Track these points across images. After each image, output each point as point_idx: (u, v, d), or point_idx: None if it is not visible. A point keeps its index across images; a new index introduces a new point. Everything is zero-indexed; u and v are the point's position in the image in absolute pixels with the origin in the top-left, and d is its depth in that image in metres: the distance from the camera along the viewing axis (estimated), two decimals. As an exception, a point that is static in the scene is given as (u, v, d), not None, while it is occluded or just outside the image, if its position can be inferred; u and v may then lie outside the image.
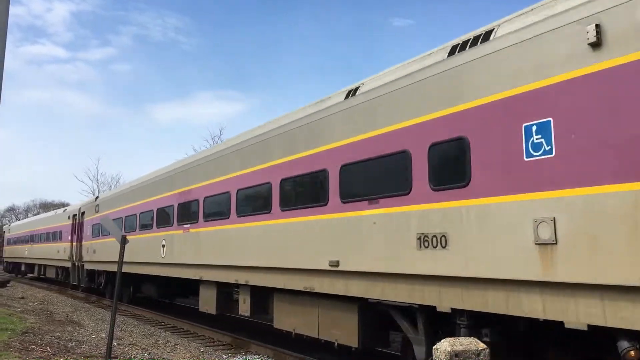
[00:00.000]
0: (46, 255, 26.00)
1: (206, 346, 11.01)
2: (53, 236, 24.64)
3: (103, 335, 11.94)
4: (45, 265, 27.21)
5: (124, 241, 8.82)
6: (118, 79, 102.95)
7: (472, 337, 4.09)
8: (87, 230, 18.00)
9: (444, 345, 3.85)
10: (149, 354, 10.30)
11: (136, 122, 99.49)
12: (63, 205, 64.00)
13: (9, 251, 41.21)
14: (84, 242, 18.95)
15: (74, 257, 19.63)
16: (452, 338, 4.01)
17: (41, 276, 28.93)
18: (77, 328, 13.30)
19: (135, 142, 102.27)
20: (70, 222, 21.02)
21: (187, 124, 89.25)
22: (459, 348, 3.90)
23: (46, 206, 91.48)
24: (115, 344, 10.29)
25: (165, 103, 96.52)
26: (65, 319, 15.12)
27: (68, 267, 20.71)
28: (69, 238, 21.11)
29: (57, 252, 22.33)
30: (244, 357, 9.74)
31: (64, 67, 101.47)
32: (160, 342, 11.69)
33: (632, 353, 4.68)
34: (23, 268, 35.56)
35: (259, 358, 9.59)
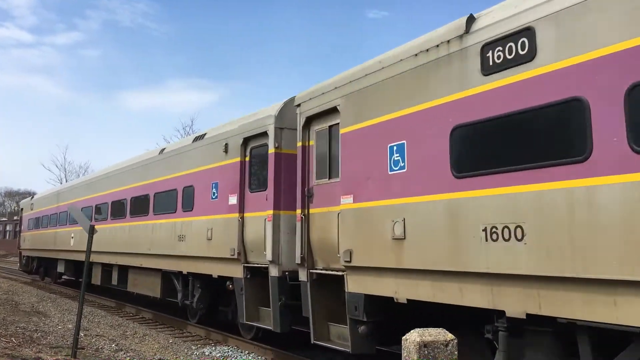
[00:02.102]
0: (134, 246, 16.02)
1: (175, 337, 12.61)
2: (164, 203, 14.43)
3: (70, 326, 13.37)
4: (127, 268, 17.28)
5: (92, 231, 9.32)
6: (86, 64, 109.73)
7: (441, 328, 4.65)
8: (357, 160, 7.97)
9: (413, 336, 4.43)
10: (116, 345, 11.29)
11: (106, 109, 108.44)
12: (29, 194, 55.60)
13: (32, 240, 29.95)
14: (326, 207, 8.73)
15: (264, 254, 10.39)
16: (421, 329, 4.59)
17: (115, 287, 19.30)
18: (43, 319, 14.65)
19: (104, 130, 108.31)
20: (235, 159, 11.27)
21: (158, 112, 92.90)
22: (428, 339, 4.38)
23: (11, 195, 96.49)
24: (82, 334, 11.64)
25: (135, 90, 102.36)
26: (31, 310, 16.42)
27: (228, 281, 11.42)
28: (234, 204, 11.10)
29: (179, 239, 12.97)
30: (213, 348, 11.24)
31: (30, 52, 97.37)
32: (128, 333, 13.07)
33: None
34: (62, 269, 25.51)
35: (228, 349, 11.08)
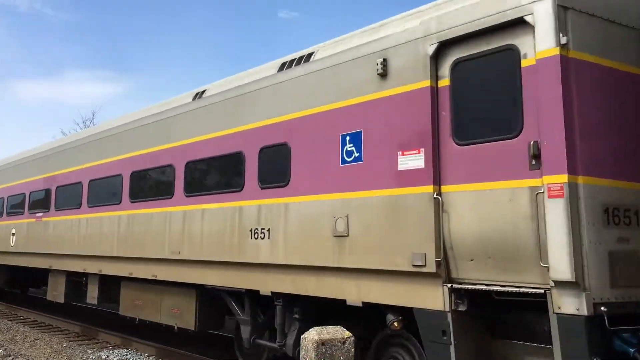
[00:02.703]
0: (140, 247, 10.25)
1: (70, 341, 12.13)
2: (211, 177, 9.17)
3: (-50, 331, 14.14)
4: (118, 280, 11.57)
5: None
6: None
7: (339, 326, 4.96)
8: None
9: (311, 335, 4.58)
10: (4, 350, 10.92)
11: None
12: None
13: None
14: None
15: (538, 266, 4.90)
16: (320, 327, 4.80)
17: (94, 307, 15.69)
18: None
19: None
20: (410, 86, 6.04)
21: (56, 104, 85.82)
22: (325, 337, 4.52)
23: None
24: (-34, 340, 12.27)
25: (31, 80, 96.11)
26: None
27: (389, 312, 6.27)
28: (416, 168, 5.99)
29: (252, 235, 7.82)
30: (111, 351, 10.93)
31: None
32: (18, 338, 12.52)
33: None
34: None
35: (127, 352, 10.75)
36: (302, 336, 4.60)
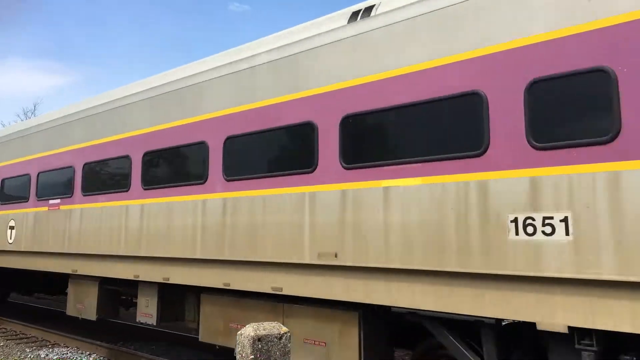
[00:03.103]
0: (295, 246, 7.05)
1: (7, 339, 11.89)
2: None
3: None
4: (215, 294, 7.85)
5: None
6: None
7: (275, 322, 4.66)
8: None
9: (248, 331, 4.42)
10: None
11: None
12: None
13: None
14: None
15: None
16: (256, 323, 4.56)
17: (149, 327, 12.33)
18: None
19: None
20: None
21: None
22: (261, 332, 4.37)
23: None
24: None
25: None
26: None
27: None
28: None
29: None
30: (50, 350, 10.72)
31: None
32: None
33: None
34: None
35: (67, 351, 10.52)
36: (238, 333, 4.47)
